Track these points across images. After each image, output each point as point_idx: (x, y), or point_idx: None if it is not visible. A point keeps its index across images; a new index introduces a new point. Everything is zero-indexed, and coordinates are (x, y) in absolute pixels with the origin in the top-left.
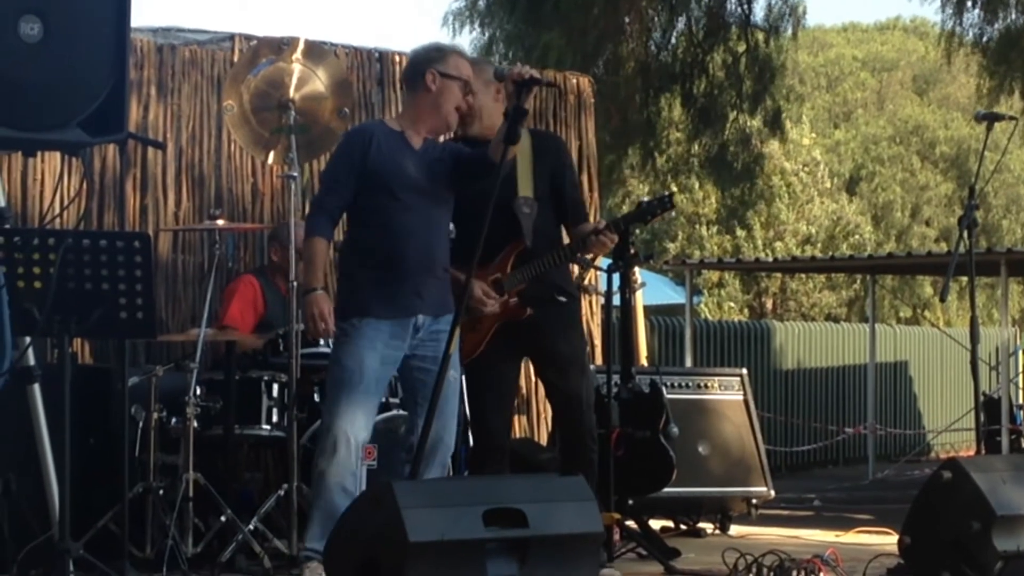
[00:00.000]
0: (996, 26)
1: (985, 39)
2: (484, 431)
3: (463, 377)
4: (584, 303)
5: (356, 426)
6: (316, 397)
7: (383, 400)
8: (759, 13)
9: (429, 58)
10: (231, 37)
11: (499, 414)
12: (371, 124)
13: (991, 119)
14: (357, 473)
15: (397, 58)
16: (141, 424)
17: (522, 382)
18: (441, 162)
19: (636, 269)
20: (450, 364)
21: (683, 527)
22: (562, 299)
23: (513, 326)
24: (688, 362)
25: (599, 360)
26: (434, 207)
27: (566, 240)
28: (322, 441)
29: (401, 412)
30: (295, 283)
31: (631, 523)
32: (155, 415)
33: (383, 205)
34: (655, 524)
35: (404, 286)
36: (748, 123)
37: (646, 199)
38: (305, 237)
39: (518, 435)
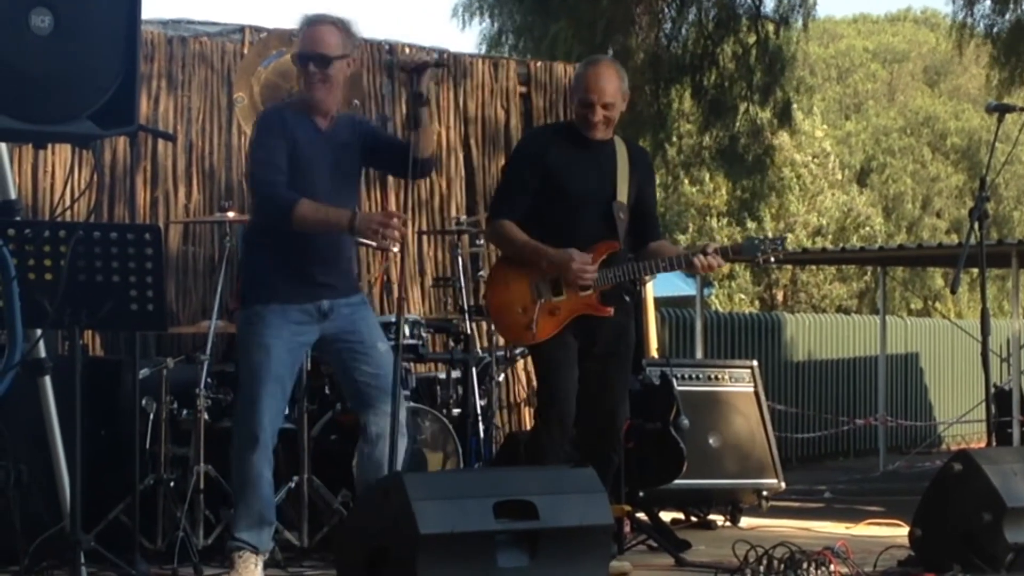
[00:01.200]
0: (1007, 17)
1: (996, 30)
2: (566, 412)
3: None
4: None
5: (270, 415)
6: (327, 389)
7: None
8: (769, 4)
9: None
10: (241, 29)
11: (569, 392)
12: (279, 106)
13: (1002, 110)
14: (272, 459)
15: (407, 50)
16: (152, 416)
17: (532, 374)
18: (350, 146)
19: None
20: (379, 338)
21: (694, 519)
22: (627, 298)
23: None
24: (699, 354)
25: None
26: (340, 190)
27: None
28: (239, 434)
29: (411, 404)
30: None
31: (642, 515)
32: (166, 407)
33: (298, 189)
34: (666, 516)
35: (309, 271)
36: (759, 115)
37: (759, 236)
38: (291, 208)
39: (527, 427)
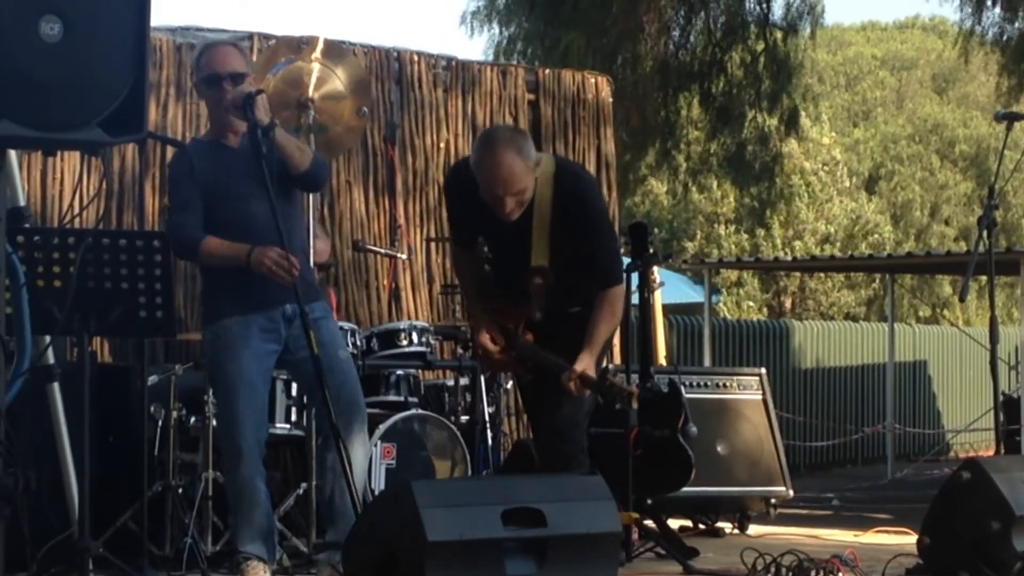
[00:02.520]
0: (1016, 25)
1: (1005, 38)
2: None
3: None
4: None
5: (252, 424)
6: None
7: (403, 400)
8: (778, 12)
9: (194, 72)
10: (250, 36)
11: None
12: (184, 147)
13: (1011, 118)
14: (263, 470)
15: (416, 57)
16: (160, 423)
17: None
18: (270, 156)
19: (655, 268)
20: (340, 347)
21: (702, 527)
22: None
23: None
24: (707, 361)
25: (618, 359)
26: (266, 197)
27: None
28: (226, 449)
29: (419, 412)
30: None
31: (649, 522)
32: (174, 414)
33: (223, 213)
34: (674, 523)
35: (266, 280)
36: (766, 122)
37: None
38: (196, 249)
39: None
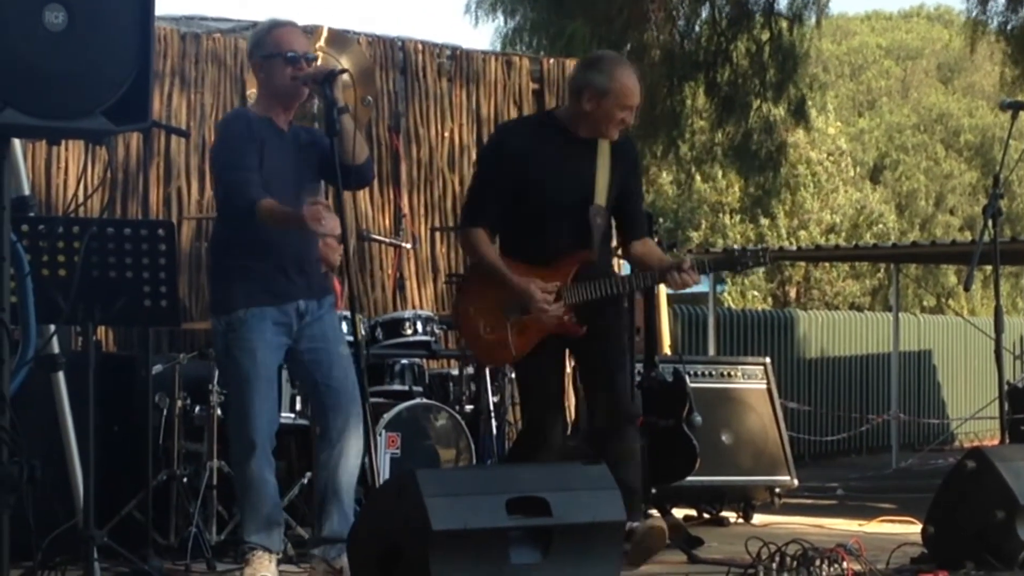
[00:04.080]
0: (1021, 14)
1: (1010, 27)
2: (533, 429)
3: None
4: None
5: (266, 419)
6: None
7: (407, 389)
8: (783, 1)
9: (250, 49)
10: (254, 26)
11: (547, 412)
12: (243, 112)
13: (1016, 108)
14: (273, 461)
15: (420, 47)
16: (165, 412)
17: None
18: (310, 150)
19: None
20: (342, 343)
21: (706, 516)
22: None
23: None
24: (711, 350)
25: None
26: (304, 190)
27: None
28: (237, 440)
29: (423, 401)
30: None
31: (654, 512)
32: (179, 403)
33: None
34: (678, 513)
35: (282, 272)
36: (772, 112)
37: (740, 247)
38: (253, 207)
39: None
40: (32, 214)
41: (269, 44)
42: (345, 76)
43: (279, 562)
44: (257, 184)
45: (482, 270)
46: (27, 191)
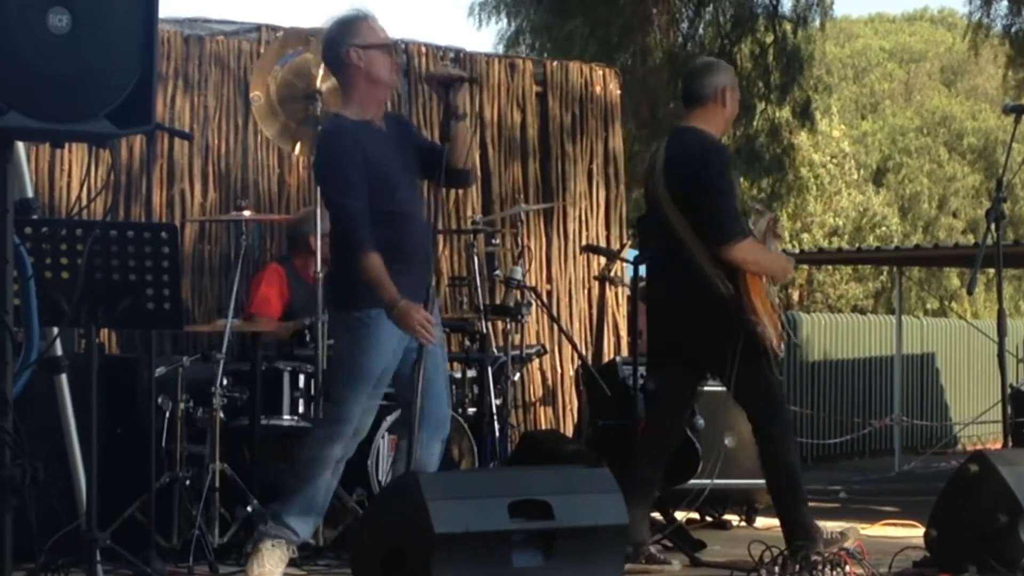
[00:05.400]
0: None
1: (1013, 31)
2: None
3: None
4: (610, 294)
5: (367, 418)
6: None
7: None
8: (787, 4)
9: (341, 36)
10: (257, 28)
11: None
12: (342, 124)
13: (1019, 111)
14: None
15: (423, 49)
16: (168, 414)
17: (547, 373)
18: (406, 142)
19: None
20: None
21: (709, 519)
22: None
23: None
24: None
25: (625, 351)
26: (415, 186)
27: None
28: (328, 424)
29: None
30: (319, 275)
31: (657, 515)
32: (182, 405)
33: (383, 201)
34: (681, 516)
35: (408, 274)
36: (776, 114)
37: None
38: (359, 254)
39: (543, 427)
40: (35, 216)
41: (365, 34)
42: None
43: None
44: (364, 220)
45: (764, 271)
46: (30, 193)
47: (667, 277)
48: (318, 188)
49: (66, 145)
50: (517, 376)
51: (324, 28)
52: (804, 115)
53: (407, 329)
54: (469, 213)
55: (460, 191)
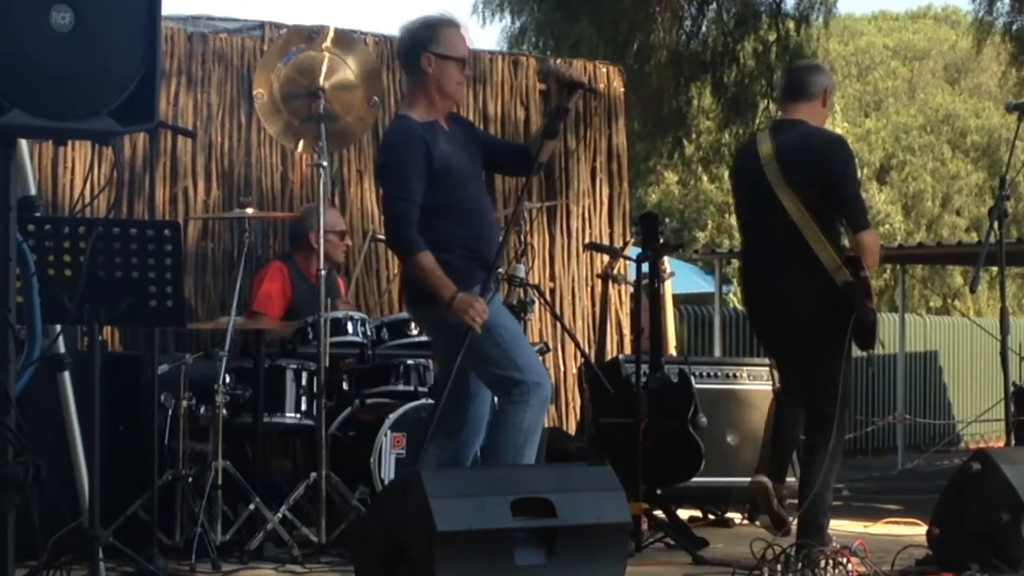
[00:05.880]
0: None
1: (1015, 28)
2: None
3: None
4: (613, 292)
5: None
6: (344, 385)
7: (412, 389)
8: (790, 2)
9: (420, 39)
10: (261, 25)
11: None
12: (408, 125)
13: (1022, 109)
14: None
15: None
16: (171, 412)
17: (550, 371)
18: (472, 144)
19: (665, 258)
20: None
21: (711, 517)
22: None
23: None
24: (717, 351)
25: (628, 349)
26: (482, 184)
27: None
28: (521, 392)
29: (429, 401)
30: (322, 272)
31: (659, 513)
32: (184, 403)
33: (455, 197)
34: (683, 514)
35: (485, 257)
36: (779, 112)
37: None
38: (410, 255)
39: (546, 424)
40: (38, 214)
41: (445, 43)
42: (349, 75)
43: (283, 561)
44: (413, 222)
45: (876, 260)
46: (33, 191)
47: (778, 262)
48: (380, 187)
49: (69, 142)
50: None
51: (411, 21)
52: None
53: (462, 318)
54: None
55: None
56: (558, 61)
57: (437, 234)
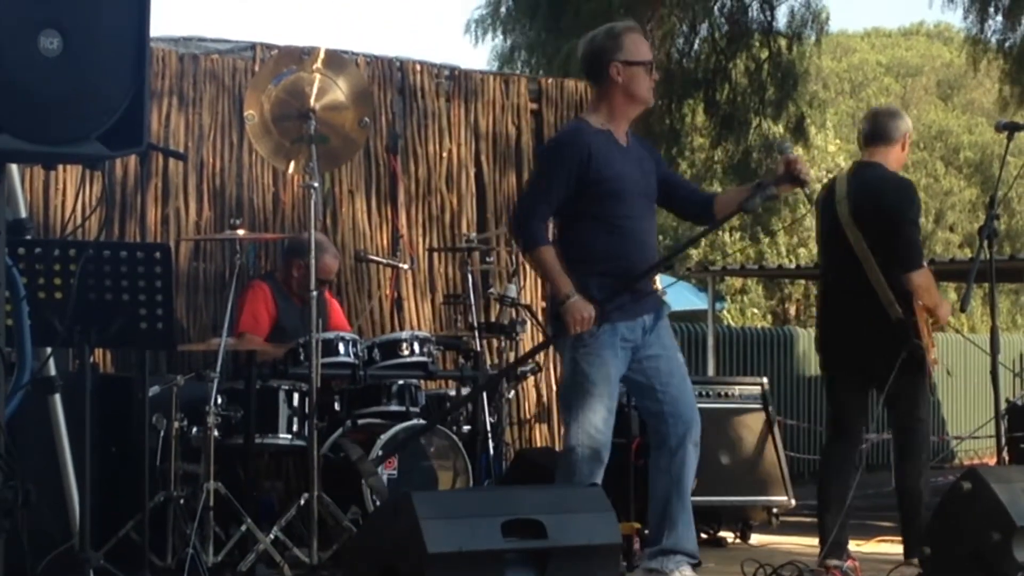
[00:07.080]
0: (1019, 32)
1: (1008, 45)
2: None
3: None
4: None
5: (605, 424)
6: (336, 406)
7: (404, 410)
8: (782, 20)
9: (606, 49)
10: (252, 46)
11: None
12: (581, 128)
13: (1012, 129)
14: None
15: (418, 67)
16: (162, 433)
17: (543, 392)
18: (649, 166)
19: (658, 276)
20: (679, 351)
21: (704, 536)
22: None
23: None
24: (711, 368)
25: None
26: (648, 205)
27: None
28: (575, 454)
29: (420, 422)
30: (313, 293)
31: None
32: (176, 424)
33: (608, 209)
34: None
35: (616, 285)
36: (771, 129)
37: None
38: (530, 247)
39: (538, 444)
40: (29, 237)
41: (630, 50)
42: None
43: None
44: (544, 219)
45: (932, 302)
46: (24, 214)
47: (846, 293)
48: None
49: (60, 165)
50: (512, 394)
51: (594, 33)
52: (798, 131)
53: (565, 318)
54: (464, 230)
55: (454, 207)
56: (799, 151)
57: (574, 242)
